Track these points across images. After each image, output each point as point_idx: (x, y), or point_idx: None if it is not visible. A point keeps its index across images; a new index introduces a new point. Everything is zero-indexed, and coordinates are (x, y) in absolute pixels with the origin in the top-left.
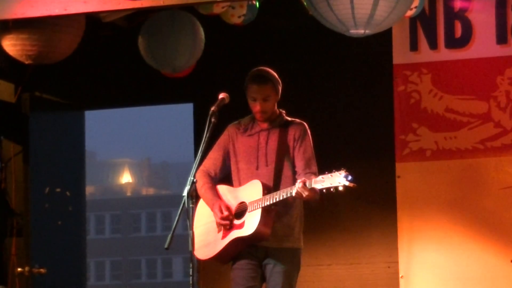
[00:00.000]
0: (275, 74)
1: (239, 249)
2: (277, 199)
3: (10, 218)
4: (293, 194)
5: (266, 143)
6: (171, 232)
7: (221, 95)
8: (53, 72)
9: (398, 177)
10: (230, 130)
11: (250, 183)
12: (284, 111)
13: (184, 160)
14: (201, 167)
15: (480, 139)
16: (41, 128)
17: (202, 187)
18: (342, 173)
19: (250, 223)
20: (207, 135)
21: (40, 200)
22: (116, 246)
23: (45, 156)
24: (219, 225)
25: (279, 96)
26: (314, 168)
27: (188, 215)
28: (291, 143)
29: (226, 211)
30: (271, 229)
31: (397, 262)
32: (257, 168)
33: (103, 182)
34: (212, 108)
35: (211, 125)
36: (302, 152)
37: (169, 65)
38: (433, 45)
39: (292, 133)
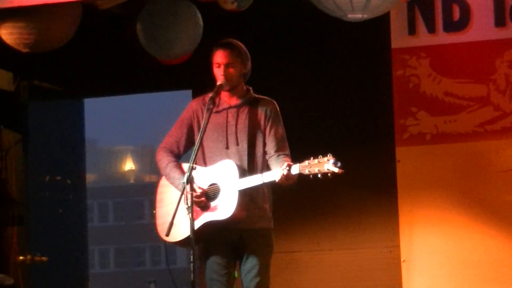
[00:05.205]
0: (244, 47)
1: (210, 232)
2: (257, 184)
3: (10, 207)
4: (277, 180)
5: (236, 120)
6: (171, 219)
7: (218, 82)
8: (51, 60)
9: (398, 161)
10: (194, 106)
11: (223, 164)
12: (251, 88)
13: None
14: (162, 145)
15: (479, 122)
16: (40, 116)
17: (167, 166)
18: (331, 159)
19: (226, 207)
20: (206, 121)
21: (41, 188)
22: (120, 234)
23: (44, 144)
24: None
25: (247, 71)
26: (287, 149)
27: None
28: (262, 122)
29: (199, 190)
30: (246, 212)
31: (398, 247)
32: (227, 147)
33: (106, 170)
34: (210, 95)
35: (210, 111)
36: (273, 132)
37: (168, 51)
38: (431, 28)
39: (263, 111)
